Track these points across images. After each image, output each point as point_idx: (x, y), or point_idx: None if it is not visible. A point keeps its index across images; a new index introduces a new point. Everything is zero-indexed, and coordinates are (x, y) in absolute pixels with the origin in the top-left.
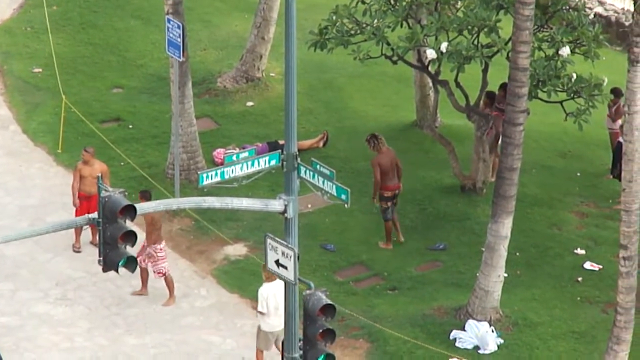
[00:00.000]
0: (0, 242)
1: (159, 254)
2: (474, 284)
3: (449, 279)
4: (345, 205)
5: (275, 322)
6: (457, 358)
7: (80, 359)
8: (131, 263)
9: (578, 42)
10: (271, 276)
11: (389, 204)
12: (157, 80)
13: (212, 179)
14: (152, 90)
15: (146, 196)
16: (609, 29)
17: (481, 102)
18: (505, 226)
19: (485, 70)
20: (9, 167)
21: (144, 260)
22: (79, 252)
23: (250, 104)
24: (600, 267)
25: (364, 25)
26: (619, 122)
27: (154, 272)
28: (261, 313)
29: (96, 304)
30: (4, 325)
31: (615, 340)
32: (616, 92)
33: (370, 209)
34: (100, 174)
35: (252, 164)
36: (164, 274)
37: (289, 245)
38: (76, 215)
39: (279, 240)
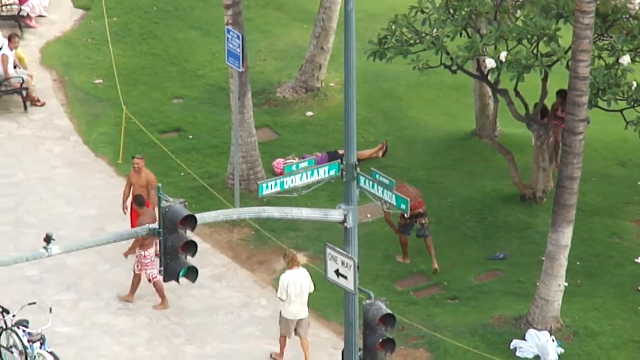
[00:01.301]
0: (61, 252)
1: (143, 261)
2: (534, 293)
3: (509, 288)
4: (405, 215)
5: (295, 310)
6: None
7: None
8: (192, 273)
9: (639, 50)
10: (293, 264)
11: (410, 220)
12: (217, 91)
13: (272, 189)
14: (212, 100)
15: (138, 201)
16: None
17: (551, 108)
18: (566, 235)
19: (545, 80)
20: (70, 177)
21: (138, 267)
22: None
23: (309, 114)
24: None
25: (424, 34)
26: None
27: (147, 278)
28: (281, 300)
29: (157, 314)
30: (66, 336)
31: None
32: None
33: (430, 219)
34: (160, 185)
35: (312, 174)
36: (155, 279)
37: (349, 255)
38: (132, 226)
39: (338, 250)
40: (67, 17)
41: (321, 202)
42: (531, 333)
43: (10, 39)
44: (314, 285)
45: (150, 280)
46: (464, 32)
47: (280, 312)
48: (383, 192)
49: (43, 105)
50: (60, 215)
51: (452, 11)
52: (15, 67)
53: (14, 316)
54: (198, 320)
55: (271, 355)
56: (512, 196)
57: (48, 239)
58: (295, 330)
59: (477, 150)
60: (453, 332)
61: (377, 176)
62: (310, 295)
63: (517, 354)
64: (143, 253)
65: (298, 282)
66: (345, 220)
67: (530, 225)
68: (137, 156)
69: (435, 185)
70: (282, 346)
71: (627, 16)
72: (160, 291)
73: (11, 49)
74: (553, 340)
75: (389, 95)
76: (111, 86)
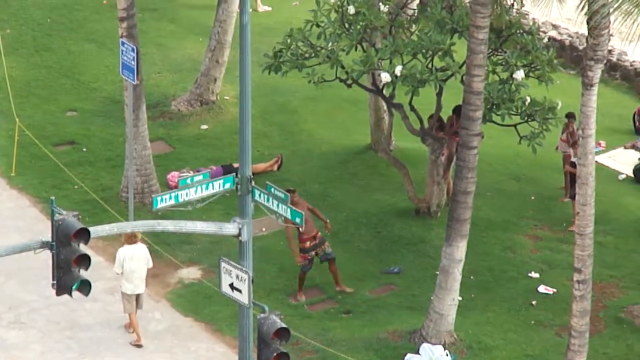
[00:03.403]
0: None
1: None
2: (428, 307)
3: (403, 302)
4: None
5: (132, 285)
6: None
7: None
8: (85, 286)
9: (532, 65)
10: (131, 239)
11: (311, 256)
12: (111, 104)
13: (166, 202)
14: (106, 113)
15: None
16: (563, 52)
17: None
18: (460, 249)
19: (439, 94)
20: None
21: None
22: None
23: (204, 127)
24: (555, 290)
25: (319, 48)
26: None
27: None
28: (117, 273)
29: (50, 328)
30: None
31: None
32: (570, 116)
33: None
34: (53, 198)
35: (207, 187)
36: None
37: (244, 269)
38: None
39: (233, 263)
40: None
41: (216, 216)
42: (425, 347)
43: None
44: (209, 299)
45: None
46: (359, 46)
47: (121, 289)
48: (278, 205)
49: None
50: None
51: (347, 25)
52: None
53: None
54: (91, 334)
55: (131, 343)
56: (407, 210)
57: None
58: (136, 304)
59: (372, 163)
60: (347, 346)
61: (272, 189)
62: (204, 309)
63: None
64: None
65: (135, 256)
66: (239, 234)
67: (424, 239)
68: None
69: (330, 198)
70: (135, 325)
71: (521, 31)
72: None
73: None
74: (447, 354)
75: (284, 108)
76: (3, 98)
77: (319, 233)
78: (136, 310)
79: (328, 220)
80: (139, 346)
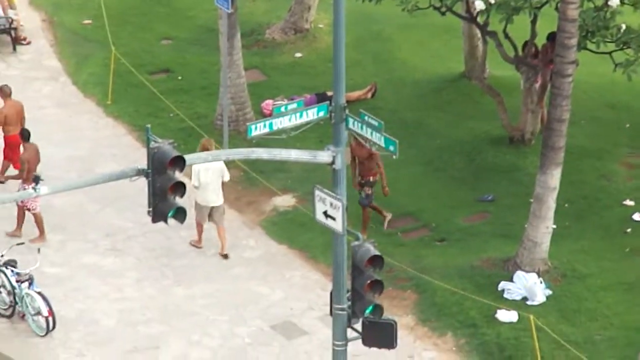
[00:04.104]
0: (49, 193)
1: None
2: (522, 235)
3: (497, 230)
4: (394, 157)
5: (208, 197)
6: (505, 309)
7: (130, 310)
8: (180, 214)
9: None
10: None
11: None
12: (206, 32)
13: (260, 130)
14: (201, 41)
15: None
16: None
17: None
18: (554, 177)
19: (534, 22)
20: (58, 117)
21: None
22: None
23: (298, 55)
24: None
25: None
26: None
27: (27, 209)
28: (195, 186)
29: (145, 255)
30: (54, 276)
31: None
32: None
33: (419, 161)
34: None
35: (301, 115)
36: (35, 212)
37: (337, 197)
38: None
39: (327, 191)
40: None
41: (310, 144)
42: (519, 275)
43: None
44: (303, 227)
45: (29, 210)
46: None
47: (195, 199)
48: (371, 133)
49: (29, 43)
50: (48, 156)
51: None
52: None
53: (1, 256)
54: (186, 261)
55: (190, 242)
56: (501, 138)
57: (36, 179)
58: (210, 216)
59: (465, 91)
60: (441, 274)
61: (366, 117)
62: (299, 237)
63: (505, 295)
64: (27, 187)
65: (210, 168)
66: (333, 162)
67: (518, 167)
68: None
69: (423, 126)
70: (199, 232)
71: None
72: (39, 224)
73: None
74: (541, 282)
75: (378, 36)
76: (100, 26)
77: (372, 179)
78: (218, 226)
79: (386, 187)
80: (197, 247)
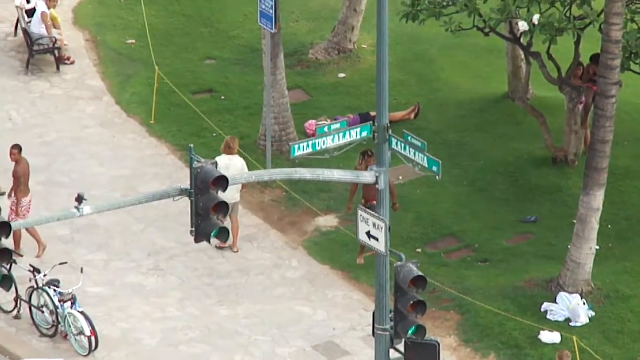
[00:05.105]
0: (93, 212)
1: (19, 207)
2: (565, 256)
3: (540, 251)
4: (437, 177)
5: (227, 194)
6: (548, 330)
7: (173, 329)
8: (223, 234)
9: None
10: (228, 150)
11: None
12: (250, 52)
13: (303, 150)
14: (244, 61)
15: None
16: None
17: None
18: (597, 199)
19: (577, 43)
20: (102, 137)
21: (11, 216)
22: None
23: (342, 75)
24: None
25: None
26: None
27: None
28: None
29: (188, 275)
30: (97, 295)
31: None
32: None
33: (462, 181)
34: (192, 146)
35: (344, 136)
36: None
37: (381, 217)
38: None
39: (370, 211)
40: None
41: (353, 164)
42: (562, 296)
43: None
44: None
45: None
46: None
47: None
48: (415, 154)
49: (72, 63)
50: (91, 175)
51: None
52: None
53: (45, 276)
54: (229, 281)
55: (216, 245)
56: (544, 159)
57: (80, 199)
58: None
59: (509, 112)
60: (483, 295)
61: (409, 138)
62: (341, 258)
63: (548, 316)
64: (21, 200)
65: (231, 166)
66: (376, 182)
67: (561, 188)
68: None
69: (466, 147)
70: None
71: None
72: (35, 237)
73: (48, 8)
74: (584, 303)
75: (421, 57)
76: (143, 46)
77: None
78: (233, 219)
79: (397, 203)
80: (224, 247)
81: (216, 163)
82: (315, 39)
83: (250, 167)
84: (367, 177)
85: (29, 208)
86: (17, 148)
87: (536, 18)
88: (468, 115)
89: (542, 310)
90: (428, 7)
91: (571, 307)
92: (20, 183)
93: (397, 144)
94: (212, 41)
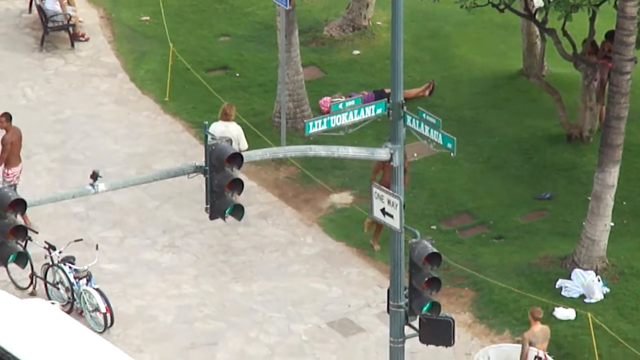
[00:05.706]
0: (108, 189)
1: (6, 179)
2: (580, 233)
3: (555, 228)
4: (452, 154)
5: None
6: (563, 307)
7: (188, 306)
8: (238, 211)
9: None
10: (224, 116)
11: None
12: (264, 29)
13: (318, 127)
14: (258, 38)
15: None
16: None
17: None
18: (612, 175)
19: (592, 19)
20: (117, 115)
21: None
22: None
23: (356, 52)
24: None
25: None
26: None
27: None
28: None
29: (203, 252)
30: (112, 272)
31: None
32: None
33: (477, 158)
34: (206, 123)
35: (358, 113)
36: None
37: (395, 194)
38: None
39: (385, 188)
40: None
41: (367, 141)
42: (577, 272)
43: None
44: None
45: None
46: None
47: None
48: (429, 130)
49: (87, 40)
50: (106, 152)
51: None
52: None
53: (60, 252)
54: (244, 258)
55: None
56: (559, 135)
57: (94, 176)
58: None
59: (524, 89)
60: (498, 272)
61: (424, 115)
62: (356, 234)
63: (563, 293)
64: (7, 171)
65: (225, 133)
66: (391, 159)
67: (576, 165)
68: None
69: (481, 124)
70: None
71: None
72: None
73: None
74: (598, 280)
75: (436, 34)
76: (158, 23)
77: None
78: None
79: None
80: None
81: (230, 140)
82: (329, 15)
83: (264, 145)
84: (382, 154)
85: (15, 179)
86: (5, 115)
87: None
88: (483, 92)
89: (557, 286)
90: None
91: (586, 283)
92: (6, 150)
93: (411, 120)
94: (227, 18)
